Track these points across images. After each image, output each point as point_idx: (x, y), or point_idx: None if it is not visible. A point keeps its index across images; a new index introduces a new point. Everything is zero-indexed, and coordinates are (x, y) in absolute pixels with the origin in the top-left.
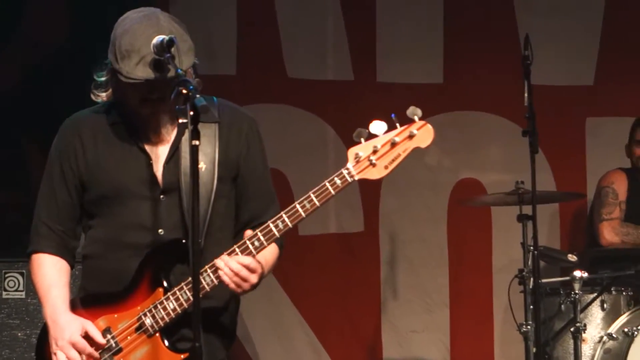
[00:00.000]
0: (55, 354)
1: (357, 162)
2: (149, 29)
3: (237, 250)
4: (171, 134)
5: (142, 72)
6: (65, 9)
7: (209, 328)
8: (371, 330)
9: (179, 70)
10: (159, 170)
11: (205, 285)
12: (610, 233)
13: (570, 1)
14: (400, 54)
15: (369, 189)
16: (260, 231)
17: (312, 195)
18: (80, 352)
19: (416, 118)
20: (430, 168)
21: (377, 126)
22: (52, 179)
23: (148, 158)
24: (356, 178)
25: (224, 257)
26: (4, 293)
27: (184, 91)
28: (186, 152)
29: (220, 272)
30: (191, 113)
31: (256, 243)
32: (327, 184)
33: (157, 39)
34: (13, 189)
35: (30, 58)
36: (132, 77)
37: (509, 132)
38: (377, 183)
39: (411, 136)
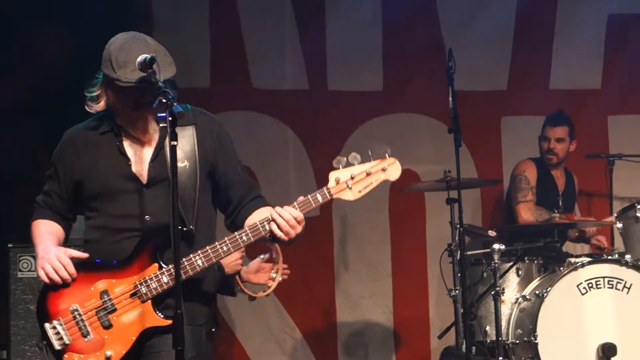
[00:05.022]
0: (42, 267)
1: (337, 183)
2: (139, 44)
3: (227, 240)
4: (156, 135)
5: (137, 75)
6: (66, 38)
7: (192, 298)
8: (327, 297)
9: (160, 83)
10: (144, 168)
11: (197, 267)
12: (527, 213)
13: (485, 19)
14: (347, 66)
15: (324, 181)
16: (250, 227)
17: (297, 205)
18: (63, 265)
19: (387, 155)
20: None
21: (354, 157)
22: (51, 177)
23: (127, 160)
24: (334, 197)
25: (277, 208)
26: (19, 273)
27: (164, 100)
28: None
29: (273, 224)
30: (170, 119)
31: (244, 238)
32: (310, 198)
33: (141, 58)
34: (26, 185)
35: (38, 78)
36: (130, 81)
37: (438, 130)
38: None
39: (384, 169)
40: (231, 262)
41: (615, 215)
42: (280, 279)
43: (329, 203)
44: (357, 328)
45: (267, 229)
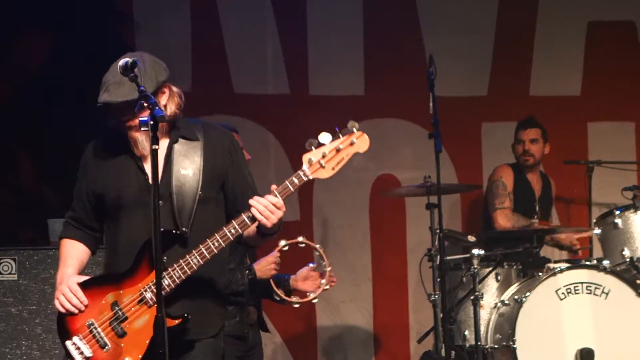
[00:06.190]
0: (57, 298)
1: (310, 165)
2: (119, 64)
3: (217, 236)
4: (148, 150)
5: (102, 98)
6: (46, 39)
7: (199, 309)
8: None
9: (142, 87)
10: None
11: (193, 266)
12: (504, 220)
13: (466, 25)
14: (329, 71)
15: (303, 185)
16: (236, 221)
17: (275, 192)
18: (74, 293)
19: (354, 129)
20: (355, 167)
21: (324, 137)
22: (75, 191)
23: (145, 175)
24: (310, 177)
25: (256, 197)
26: None
27: (145, 104)
28: (177, 164)
29: (253, 209)
30: (152, 123)
31: (232, 231)
32: (287, 183)
33: (122, 61)
34: (5, 189)
35: (19, 79)
36: (98, 103)
37: (418, 136)
38: (311, 180)
39: (352, 144)
40: (263, 267)
41: (594, 221)
42: (327, 287)
43: (308, 205)
44: (337, 332)
45: (250, 215)
